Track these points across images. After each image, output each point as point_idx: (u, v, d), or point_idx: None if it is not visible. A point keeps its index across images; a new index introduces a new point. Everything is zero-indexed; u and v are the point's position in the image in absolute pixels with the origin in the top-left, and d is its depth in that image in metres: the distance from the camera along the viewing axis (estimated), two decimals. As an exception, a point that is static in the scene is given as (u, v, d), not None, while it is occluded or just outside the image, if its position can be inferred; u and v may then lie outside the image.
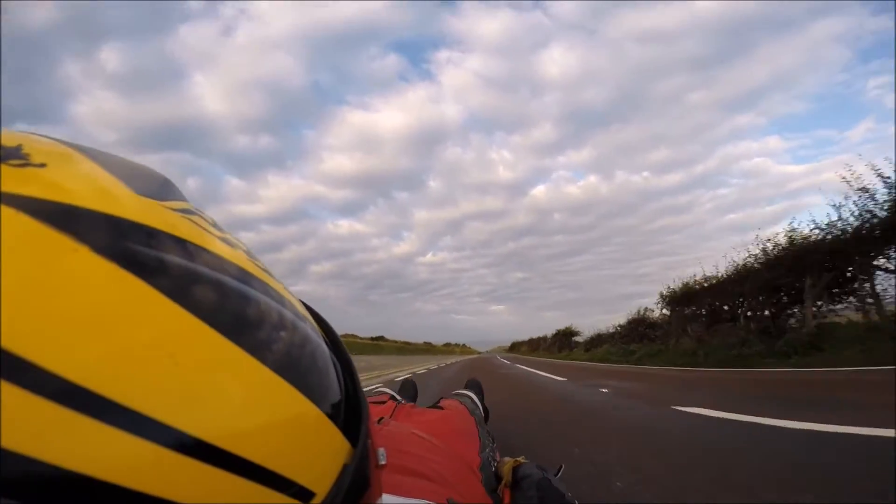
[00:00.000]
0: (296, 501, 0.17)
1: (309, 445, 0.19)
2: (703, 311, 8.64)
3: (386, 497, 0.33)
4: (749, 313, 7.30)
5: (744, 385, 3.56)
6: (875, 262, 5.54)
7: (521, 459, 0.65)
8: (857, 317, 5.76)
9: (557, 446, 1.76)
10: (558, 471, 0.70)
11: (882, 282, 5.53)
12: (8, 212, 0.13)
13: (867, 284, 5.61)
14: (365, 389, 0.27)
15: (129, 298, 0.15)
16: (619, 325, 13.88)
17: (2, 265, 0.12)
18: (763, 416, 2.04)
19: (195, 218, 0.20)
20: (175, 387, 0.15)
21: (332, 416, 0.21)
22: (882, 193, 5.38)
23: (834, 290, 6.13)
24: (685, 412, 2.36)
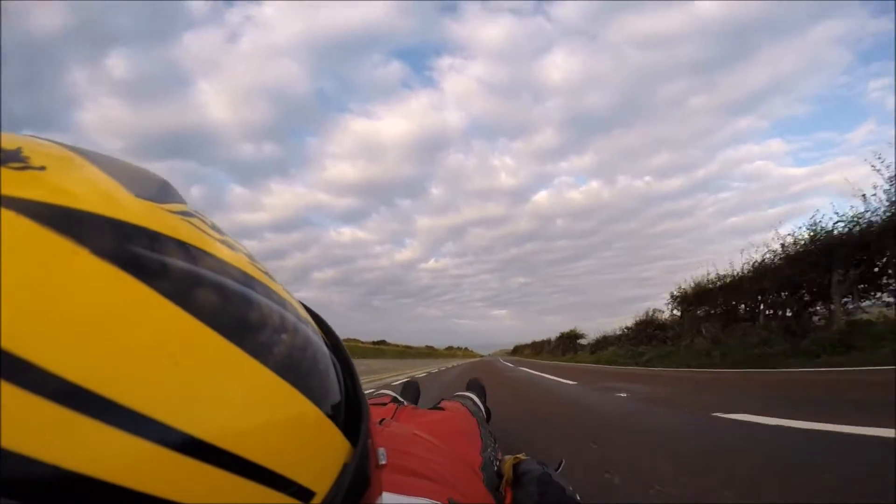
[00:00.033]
0: (296, 501, 0.18)
1: (309, 445, 0.19)
2: (718, 311, 8.22)
3: (387, 496, 0.33)
4: (769, 312, 6.89)
5: (781, 387, 3.17)
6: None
7: (521, 456, 0.64)
8: (890, 313, 5.35)
9: (580, 466, 1.38)
10: (559, 465, 0.71)
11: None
12: (8, 215, 0.13)
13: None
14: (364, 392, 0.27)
15: (129, 300, 0.15)
16: (626, 327, 13.49)
17: (2, 268, 0.13)
18: (833, 422, 1.66)
19: (195, 220, 0.20)
20: (175, 387, 0.15)
21: (333, 417, 0.21)
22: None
23: (861, 286, 5.73)
24: (732, 420, 1.97)
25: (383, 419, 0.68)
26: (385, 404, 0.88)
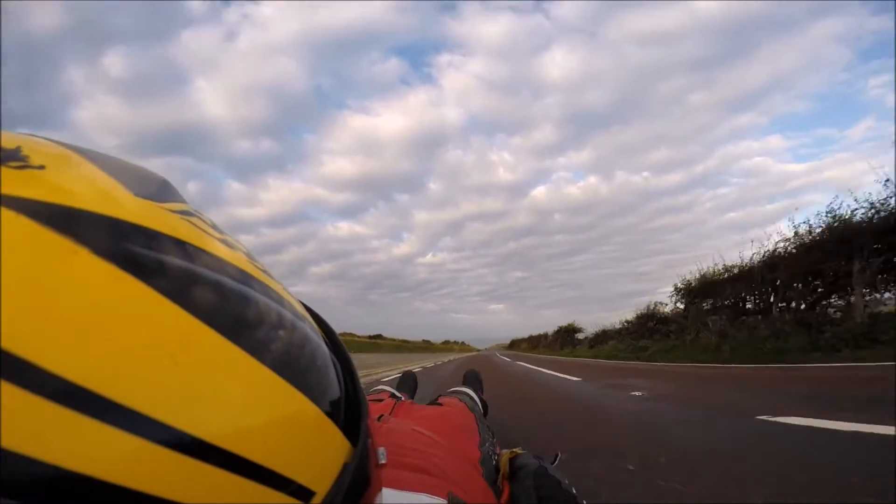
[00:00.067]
0: (296, 500, 0.18)
1: (308, 444, 0.19)
2: (727, 304, 7.87)
3: (388, 492, 0.34)
4: (782, 304, 6.54)
5: (815, 384, 2.79)
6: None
7: (517, 450, 0.64)
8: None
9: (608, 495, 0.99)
10: (555, 459, 0.72)
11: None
12: (7, 214, 0.13)
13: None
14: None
15: (129, 300, 0.15)
16: (627, 321, 13.17)
17: (1, 267, 0.13)
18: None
19: (194, 219, 0.20)
20: (174, 386, 0.15)
21: (332, 415, 0.21)
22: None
23: (882, 276, 5.38)
24: (789, 425, 1.60)
25: (382, 415, 0.68)
26: (382, 400, 0.86)
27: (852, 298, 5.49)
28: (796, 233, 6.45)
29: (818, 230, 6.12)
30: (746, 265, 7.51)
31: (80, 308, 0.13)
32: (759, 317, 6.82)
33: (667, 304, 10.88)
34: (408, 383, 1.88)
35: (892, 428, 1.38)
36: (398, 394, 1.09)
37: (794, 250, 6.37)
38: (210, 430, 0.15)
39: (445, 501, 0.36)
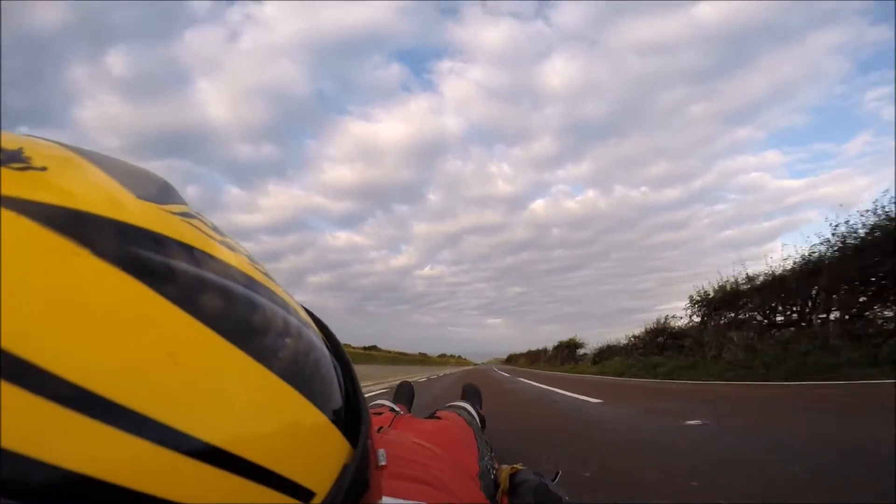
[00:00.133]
0: (296, 501, 0.18)
1: (311, 448, 0.20)
2: (755, 315, 7.09)
3: (387, 500, 0.33)
4: (823, 315, 5.77)
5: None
6: None
7: (518, 466, 0.63)
8: None
9: None
10: (555, 476, 0.70)
11: None
12: (9, 215, 0.13)
13: None
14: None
15: (131, 302, 0.15)
16: (634, 336, 12.34)
17: (2, 268, 0.13)
18: None
19: (195, 222, 0.20)
20: (175, 388, 0.15)
21: (335, 420, 0.21)
22: None
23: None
24: None
25: (381, 427, 0.68)
26: (382, 413, 0.86)
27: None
28: (833, 233, 5.74)
29: (862, 230, 5.41)
30: (776, 273, 6.76)
31: (81, 310, 0.13)
32: (793, 329, 6.06)
33: (681, 318, 10.06)
34: (405, 394, 1.86)
35: None
36: (396, 408, 1.08)
37: (837, 253, 5.64)
38: (213, 434, 0.15)
39: None
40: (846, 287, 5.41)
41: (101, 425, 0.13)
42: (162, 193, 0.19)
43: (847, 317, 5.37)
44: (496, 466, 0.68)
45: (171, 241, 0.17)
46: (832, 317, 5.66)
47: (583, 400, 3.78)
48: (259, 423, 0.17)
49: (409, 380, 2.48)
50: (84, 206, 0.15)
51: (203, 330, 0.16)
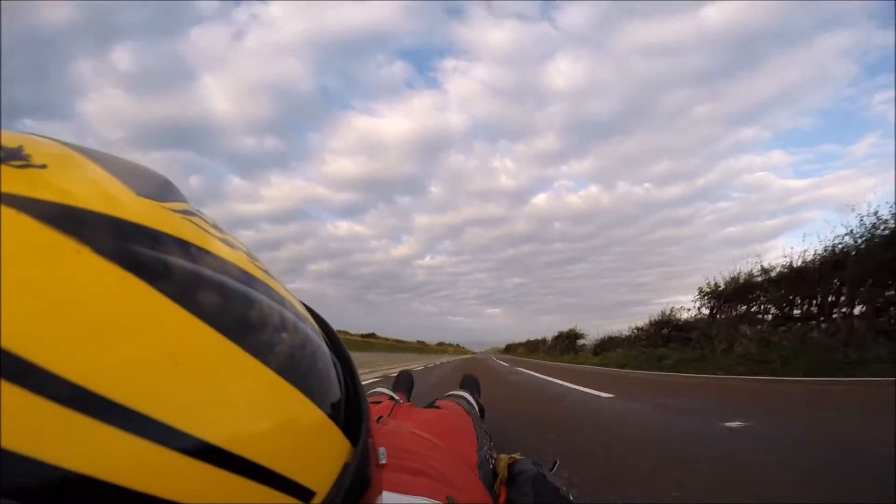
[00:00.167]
0: (296, 501, 0.18)
1: (310, 445, 0.20)
2: (770, 308, 6.77)
3: (387, 495, 0.33)
4: (845, 309, 5.45)
5: None
6: None
7: (516, 456, 0.64)
8: None
9: None
10: (553, 466, 0.70)
11: None
12: (9, 213, 0.13)
13: None
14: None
15: (131, 300, 0.15)
16: (638, 328, 12.06)
17: (3, 266, 0.13)
18: None
19: (195, 219, 0.20)
20: (175, 388, 0.15)
21: (333, 416, 0.21)
22: None
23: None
24: None
25: (381, 416, 0.68)
26: (381, 402, 0.86)
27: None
28: (861, 223, 5.38)
29: (893, 222, 5.06)
30: (795, 265, 6.42)
31: (81, 308, 0.13)
32: (813, 322, 5.75)
33: (689, 309, 9.75)
34: (404, 382, 1.85)
35: None
36: (396, 396, 1.09)
37: (861, 244, 5.30)
38: (212, 432, 0.15)
39: None
40: (871, 280, 5.09)
41: (101, 425, 0.13)
42: (162, 191, 0.19)
43: (875, 311, 5.07)
44: (495, 456, 0.68)
45: (171, 238, 0.17)
46: (856, 311, 5.35)
47: (593, 394, 3.46)
48: (258, 422, 0.17)
49: (406, 368, 2.30)
50: (84, 204, 0.15)
51: (203, 328, 0.16)
